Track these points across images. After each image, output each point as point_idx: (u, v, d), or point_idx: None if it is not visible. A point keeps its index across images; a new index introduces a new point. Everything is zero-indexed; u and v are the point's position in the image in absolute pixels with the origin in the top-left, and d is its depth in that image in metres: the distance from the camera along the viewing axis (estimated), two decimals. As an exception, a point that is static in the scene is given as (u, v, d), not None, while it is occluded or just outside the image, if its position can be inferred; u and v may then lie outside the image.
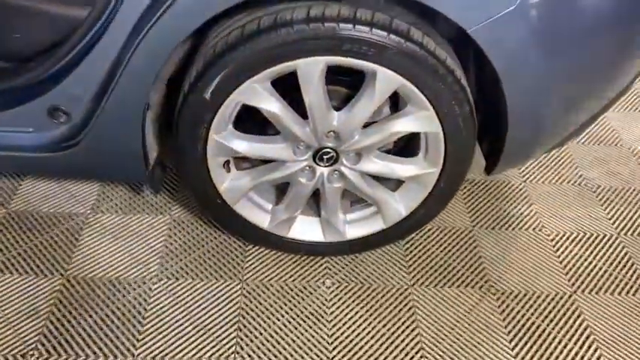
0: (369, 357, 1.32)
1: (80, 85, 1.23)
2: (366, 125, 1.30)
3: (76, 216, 1.60)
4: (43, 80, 1.25)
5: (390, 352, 1.33)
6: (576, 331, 1.40)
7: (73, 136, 1.31)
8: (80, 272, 1.46)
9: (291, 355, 1.32)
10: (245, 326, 1.37)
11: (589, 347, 1.36)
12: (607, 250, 1.61)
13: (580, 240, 1.64)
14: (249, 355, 1.31)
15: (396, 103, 1.43)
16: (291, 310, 1.42)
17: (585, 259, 1.58)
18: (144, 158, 1.36)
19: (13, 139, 1.32)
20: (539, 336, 1.39)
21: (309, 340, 1.35)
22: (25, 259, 1.48)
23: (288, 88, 1.24)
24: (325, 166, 1.36)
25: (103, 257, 1.50)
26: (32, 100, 1.26)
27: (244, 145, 1.32)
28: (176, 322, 1.37)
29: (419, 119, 1.26)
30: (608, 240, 1.64)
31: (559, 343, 1.37)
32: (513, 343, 1.37)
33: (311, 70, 1.17)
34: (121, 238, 1.56)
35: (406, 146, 1.47)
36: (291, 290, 1.47)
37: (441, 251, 1.59)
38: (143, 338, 1.32)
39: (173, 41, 1.15)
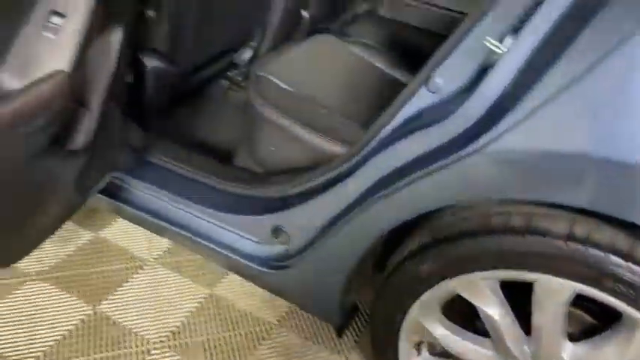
0: None
1: (308, 217, 1.24)
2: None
3: (263, 323, 1.61)
4: (278, 199, 1.30)
5: None
6: None
7: (285, 259, 1.31)
8: (244, 384, 1.43)
9: None
10: None
11: None
12: None
13: None
14: None
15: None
16: None
17: None
18: (341, 299, 1.30)
19: (237, 242, 1.38)
20: None
21: None
22: (210, 348, 1.52)
23: (513, 289, 1.05)
24: (533, 395, 1.10)
25: (269, 377, 1.46)
26: (264, 214, 1.32)
27: (445, 333, 1.15)
28: None
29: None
30: None
31: None
32: None
33: (553, 291, 0.96)
34: (294, 364, 1.50)
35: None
36: None
37: None
38: None
39: (423, 207, 1.07)
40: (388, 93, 1.27)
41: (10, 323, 1.52)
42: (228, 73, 1.95)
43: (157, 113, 1.62)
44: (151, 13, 1.37)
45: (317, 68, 1.55)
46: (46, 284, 1.64)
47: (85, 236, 1.82)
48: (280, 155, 1.39)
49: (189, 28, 1.43)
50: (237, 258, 1.37)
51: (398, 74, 1.60)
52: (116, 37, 1.13)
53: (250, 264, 1.35)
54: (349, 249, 1.21)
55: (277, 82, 1.43)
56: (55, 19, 0.94)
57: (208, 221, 1.39)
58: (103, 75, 1.14)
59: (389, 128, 1.09)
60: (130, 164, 1.47)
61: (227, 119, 1.85)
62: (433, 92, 1.00)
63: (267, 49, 1.86)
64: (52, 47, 0.94)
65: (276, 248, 1.33)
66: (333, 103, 1.40)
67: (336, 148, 1.28)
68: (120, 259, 1.76)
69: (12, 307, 1.56)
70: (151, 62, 1.44)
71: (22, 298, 1.59)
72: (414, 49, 1.56)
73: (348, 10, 1.98)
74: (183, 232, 1.42)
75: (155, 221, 1.46)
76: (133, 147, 1.48)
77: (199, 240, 1.41)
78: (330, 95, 1.43)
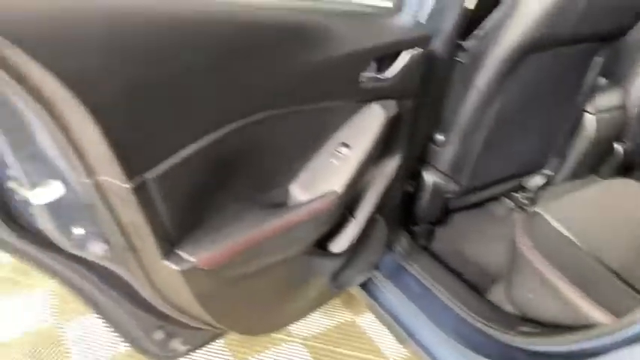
0: None
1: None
2: None
3: None
4: (523, 352, 1.17)
5: None
6: None
7: None
8: None
9: None
10: None
11: None
12: None
13: None
14: None
15: None
16: None
17: None
18: None
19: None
20: None
21: None
22: None
23: None
24: None
25: None
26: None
27: None
28: None
29: None
30: None
31: None
32: None
33: None
34: None
35: None
36: None
37: None
38: None
39: None
40: None
41: (261, 377, 1.74)
42: (515, 193, 1.88)
43: (428, 224, 1.67)
44: (439, 136, 1.44)
45: (608, 217, 1.35)
46: (304, 350, 1.83)
47: (346, 316, 1.97)
48: (537, 304, 1.25)
49: (475, 154, 1.44)
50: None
51: None
52: (392, 164, 1.23)
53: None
54: None
55: (554, 223, 1.31)
56: (342, 149, 1.09)
57: (445, 348, 1.34)
58: (374, 192, 1.25)
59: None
60: (390, 267, 1.54)
61: (501, 243, 1.77)
62: None
63: (564, 179, 1.73)
64: (333, 171, 1.09)
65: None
66: (615, 263, 1.20)
67: (602, 317, 1.09)
68: (367, 350, 1.84)
69: (270, 361, 1.79)
70: (430, 178, 1.51)
71: (281, 356, 1.81)
72: None
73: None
74: (418, 349, 1.40)
75: (397, 327, 1.48)
76: (397, 252, 1.55)
77: (431, 363, 1.37)
78: (614, 253, 1.23)
